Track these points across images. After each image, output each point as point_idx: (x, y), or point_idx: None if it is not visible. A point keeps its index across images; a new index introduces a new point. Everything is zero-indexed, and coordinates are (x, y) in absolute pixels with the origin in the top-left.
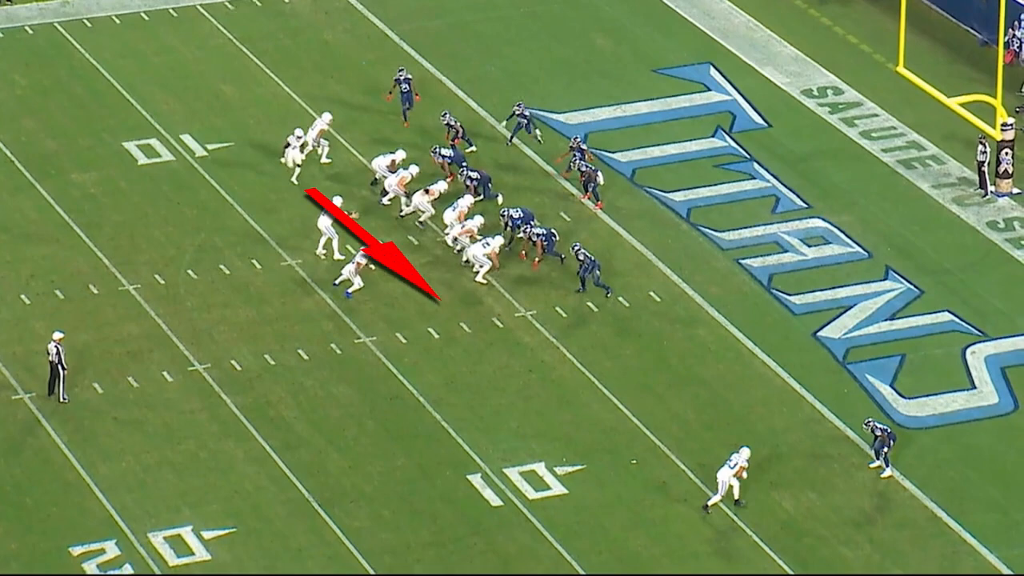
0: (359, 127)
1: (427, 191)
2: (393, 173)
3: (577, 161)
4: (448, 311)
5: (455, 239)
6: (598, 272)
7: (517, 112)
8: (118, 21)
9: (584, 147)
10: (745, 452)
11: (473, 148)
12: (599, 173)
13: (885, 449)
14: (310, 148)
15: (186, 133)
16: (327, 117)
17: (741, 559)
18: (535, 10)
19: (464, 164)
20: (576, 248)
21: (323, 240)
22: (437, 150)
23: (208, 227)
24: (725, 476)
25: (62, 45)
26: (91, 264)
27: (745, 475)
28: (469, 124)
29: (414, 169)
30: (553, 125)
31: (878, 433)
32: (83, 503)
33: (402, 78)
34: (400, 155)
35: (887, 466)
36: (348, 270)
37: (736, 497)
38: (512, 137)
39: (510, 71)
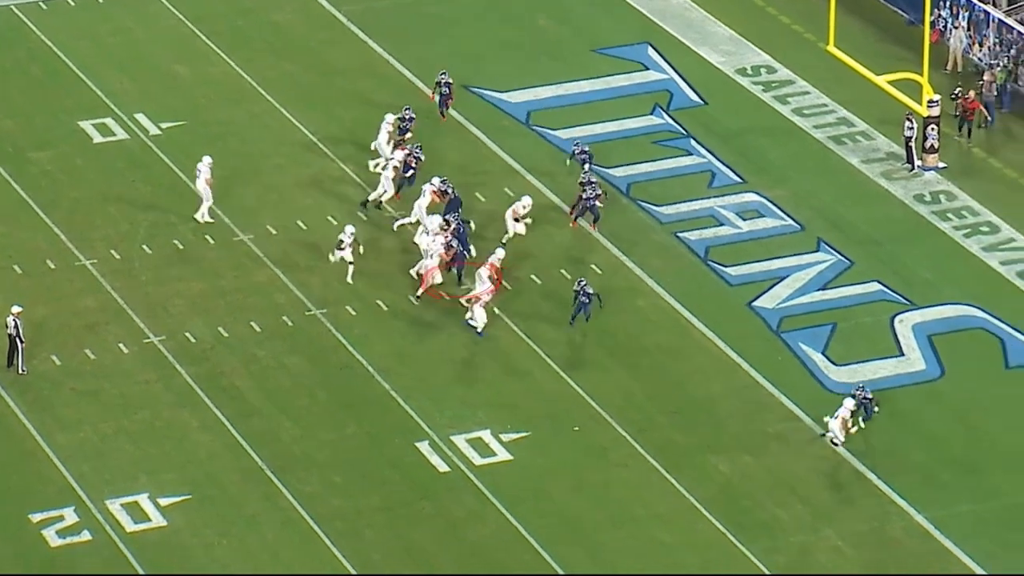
0: (312, 105)
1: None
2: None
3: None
4: (398, 284)
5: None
6: (590, 309)
7: (441, 81)
8: (73, 3)
9: (594, 179)
10: (849, 403)
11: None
12: (604, 195)
13: (863, 411)
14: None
15: (140, 112)
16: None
17: (679, 521)
18: None
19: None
20: (582, 284)
21: (342, 252)
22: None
23: (162, 203)
24: (835, 426)
25: (19, 27)
26: (48, 240)
27: (851, 425)
28: (415, 104)
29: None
30: (497, 104)
31: (862, 400)
32: (42, 471)
33: (443, 81)
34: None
35: (860, 424)
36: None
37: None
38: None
39: (456, 51)
